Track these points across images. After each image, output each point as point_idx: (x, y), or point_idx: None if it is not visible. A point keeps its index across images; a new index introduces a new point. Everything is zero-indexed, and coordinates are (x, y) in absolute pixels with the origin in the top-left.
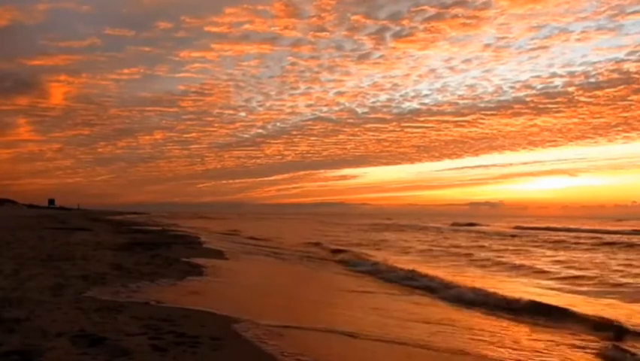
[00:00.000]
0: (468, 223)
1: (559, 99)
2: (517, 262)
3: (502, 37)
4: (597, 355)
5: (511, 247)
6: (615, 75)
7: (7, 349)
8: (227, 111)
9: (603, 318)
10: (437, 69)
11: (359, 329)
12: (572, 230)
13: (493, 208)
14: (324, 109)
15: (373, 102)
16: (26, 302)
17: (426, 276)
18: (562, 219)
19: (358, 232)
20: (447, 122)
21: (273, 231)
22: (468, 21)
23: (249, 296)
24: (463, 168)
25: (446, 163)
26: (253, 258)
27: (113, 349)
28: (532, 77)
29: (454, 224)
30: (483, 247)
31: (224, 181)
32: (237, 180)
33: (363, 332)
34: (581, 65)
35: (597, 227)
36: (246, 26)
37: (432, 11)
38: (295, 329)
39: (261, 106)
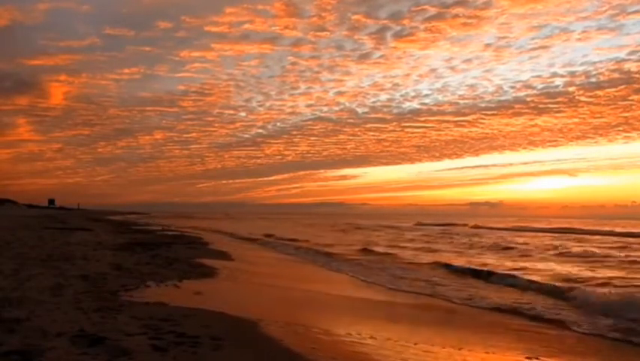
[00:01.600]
0: (434, 223)
1: (559, 99)
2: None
3: (503, 37)
4: None
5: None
6: (616, 75)
7: (7, 349)
8: (227, 111)
9: None
10: (438, 69)
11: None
12: (530, 230)
13: (493, 208)
14: (325, 109)
15: (374, 102)
16: (26, 302)
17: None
18: (549, 219)
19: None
20: (447, 122)
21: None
22: (469, 21)
23: (249, 295)
24: (463, 168)
25: (446, 163)
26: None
27: (113, 349)
28: (533, 76)
29: (417, 223)
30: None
31: (224, 181)
32: (237, 180)
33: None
34: (581, 64)
35: (562, 226)
36: (246, 26)
37: (432, 11)
38: (295, 325)
39: (261, 106)
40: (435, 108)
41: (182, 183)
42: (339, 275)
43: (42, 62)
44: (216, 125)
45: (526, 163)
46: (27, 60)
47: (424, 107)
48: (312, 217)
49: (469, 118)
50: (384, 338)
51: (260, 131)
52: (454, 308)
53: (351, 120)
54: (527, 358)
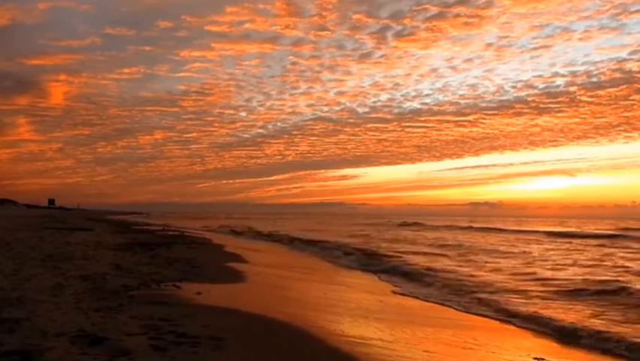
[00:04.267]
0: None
1: (560, 99)
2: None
3: (504, 37)
4: None
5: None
6: (617, 75)
7: (7, 349)
8: (227, 111)
9: None
10: (438, 69)
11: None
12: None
13: (493, 208)
14: (325, 109)
15: (374, 102)
16: (26, 302)
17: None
18: (543, 219)
19: None
20: (448, 122)
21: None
22: (470, 20)
23: (249, 294)
24: (463, 168)
25: (447, 163)
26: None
27: (113, 349)
28: (534, 76)
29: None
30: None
31: (224, 181)
32: (237, 180)
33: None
34: (583, 64)
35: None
36: (247, 25)
37: (434, 10)
38: (299, 324)
39: (261, 106)
40: (436, 108)
41: (182, 183)
42: None
43: (42, 62)
44: (216, 125)
45: (526, 163)
46: (27, 60)
47: (425, 107)
48: (311, 217)
49: (469, 118)
50: None
51: (260, 131)
52: None
53: (352, 120)
54: (535, 358)
